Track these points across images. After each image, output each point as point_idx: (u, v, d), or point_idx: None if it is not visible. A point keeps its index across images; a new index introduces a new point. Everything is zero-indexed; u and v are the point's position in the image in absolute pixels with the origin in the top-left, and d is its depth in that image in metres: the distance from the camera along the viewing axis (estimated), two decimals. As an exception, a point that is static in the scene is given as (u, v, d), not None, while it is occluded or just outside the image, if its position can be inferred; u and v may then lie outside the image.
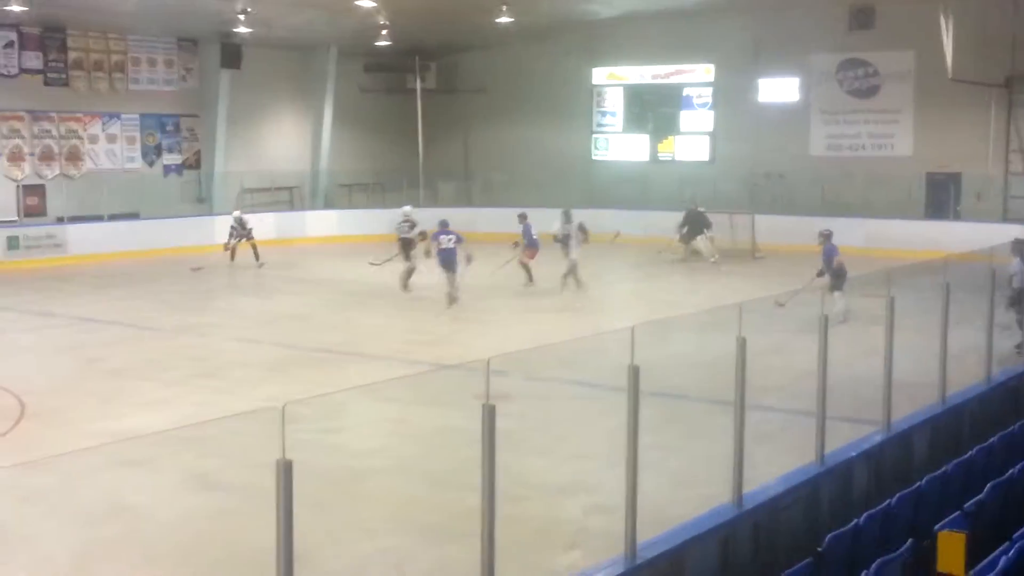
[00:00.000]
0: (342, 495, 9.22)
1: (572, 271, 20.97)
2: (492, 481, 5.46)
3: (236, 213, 26.27)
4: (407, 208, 22.82)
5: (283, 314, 19.24)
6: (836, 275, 17.36)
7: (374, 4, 24.19)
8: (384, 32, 29.21)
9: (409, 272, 21.02)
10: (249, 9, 25.94)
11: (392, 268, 21.71)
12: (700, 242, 26.01)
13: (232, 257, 25.50)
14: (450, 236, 19.59)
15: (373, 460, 10.32)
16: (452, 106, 36.03)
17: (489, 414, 5.44)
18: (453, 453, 9.65)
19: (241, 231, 25.62)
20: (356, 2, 23.77)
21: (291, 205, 32.69)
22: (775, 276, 22.21)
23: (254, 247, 25.46)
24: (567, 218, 21.32)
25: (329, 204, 33.49)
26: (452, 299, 19.26)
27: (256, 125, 32.47)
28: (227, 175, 31.33)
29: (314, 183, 33.68)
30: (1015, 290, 14.36)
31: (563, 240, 21.21)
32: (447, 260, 19.36)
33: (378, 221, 32.16)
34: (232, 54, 30.23)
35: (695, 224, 26.21)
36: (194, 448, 10.09)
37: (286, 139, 33.48)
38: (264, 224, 27.50)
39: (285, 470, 4.42)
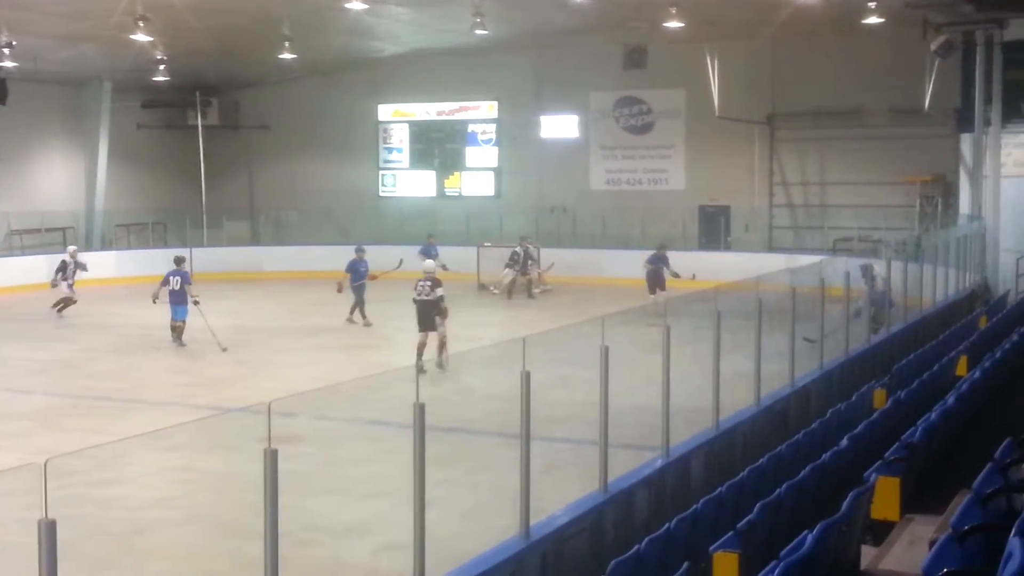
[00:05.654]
0: (121, 550, 8.83)
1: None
2: (275, 529, 5.36)
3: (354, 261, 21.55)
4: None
5: (56, 361, 18.27)
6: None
7: (150, 39, 23.39)
8: (162, 67, 28.35)
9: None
10: (14, 42, 24.64)
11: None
12: (507, 274, 26.24)
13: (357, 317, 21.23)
14: None
15: (156, 511, 9.92)
16: (235, 143, 35.35)
17: (271, 459, 5.33)
18: (240, 499, 9.38)
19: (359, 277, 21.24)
20: (131, 36, 22.90)
21: (64, 247, 31.04)
22: (564, 308, 22.73)
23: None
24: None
25: (106, 245, 32.11)
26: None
27: (24, 163, 30.85)
28: (-9, 216, 29.64)
29: (89, 223, 32.21)
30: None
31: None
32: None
33: (160, 261, 31.03)
34: (-5, 88, 28.67)
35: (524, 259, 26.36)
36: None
37: (58, 178, 31.95)
38: (35, 267, 26.03)
39: (48, 530, 4.17)
